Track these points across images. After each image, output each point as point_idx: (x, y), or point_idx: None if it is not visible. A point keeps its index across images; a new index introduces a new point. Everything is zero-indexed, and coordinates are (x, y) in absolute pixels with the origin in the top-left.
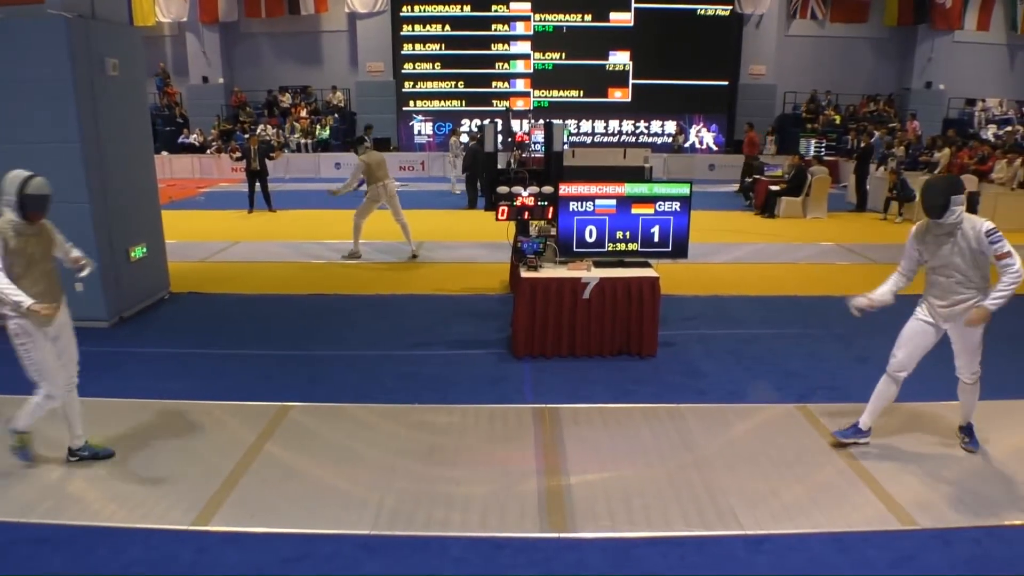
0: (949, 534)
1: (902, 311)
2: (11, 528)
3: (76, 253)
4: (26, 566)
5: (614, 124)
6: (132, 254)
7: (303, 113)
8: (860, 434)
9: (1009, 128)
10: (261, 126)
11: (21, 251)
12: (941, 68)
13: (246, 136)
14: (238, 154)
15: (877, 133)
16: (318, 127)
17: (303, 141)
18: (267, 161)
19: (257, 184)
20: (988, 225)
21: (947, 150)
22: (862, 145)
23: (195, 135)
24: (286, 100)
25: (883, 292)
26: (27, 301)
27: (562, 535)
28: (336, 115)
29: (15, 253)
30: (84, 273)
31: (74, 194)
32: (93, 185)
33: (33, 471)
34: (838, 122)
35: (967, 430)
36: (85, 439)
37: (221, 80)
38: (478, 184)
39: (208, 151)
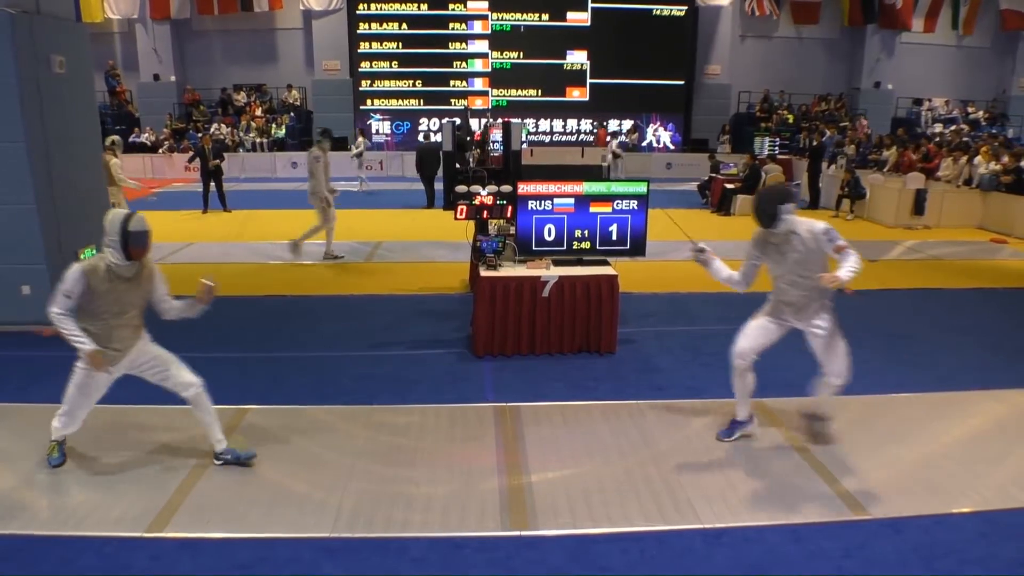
0: (899, 523)
1: (873, 313)
2: None
3: (177, 304)
4: None
5: (572, 123)
6: (81, 256)
7: (258, 112)
8: (742, 426)
9: (954, 127)
10: (215, 125)
11: (107, 295)
12: (889, 68)
13: (200, 135)
14: (191, 153)
15: (828, 132)
16: (273, 126)
17: (258, 140)
18: (220, 161)
19: (212, 184)
20: (823, 225)
21: (895, 148)
22: (814, 144)
23: (147, 134)
24: (241, 99)
25: (725, 269)
26: (86, 347)
27: (523, 533)
28: (292, 114)
29: (103, 296)
30: (205, 298)
31: (20, 195)
32: (39, 186)
33: None
34: (791, 121)
35: (817, 419)
36: (226, 443)
37: (173, 78)
38: (433, 183)
39: (160, 150)
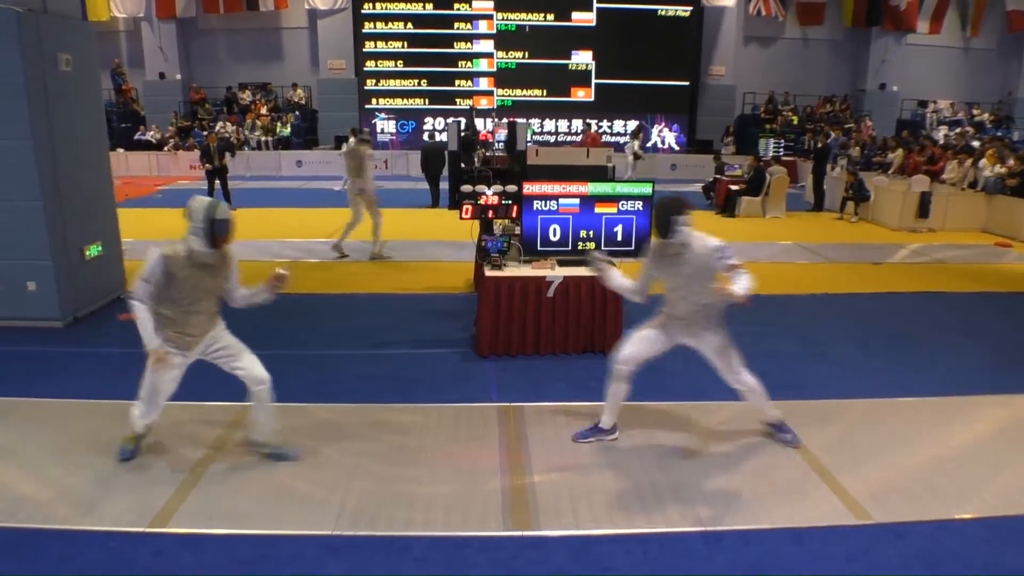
0: (902, 528)
1: (877, 316)
2: None
3: (244, 291)
4: None
5: (577, 123)
6: (87, 253)
7: (263, 110)
8: (602, 433)
9: (959, 129)
10: (220, 123)
11: (186, 280)
12: (895, 70)
13: (205, 133)
14: (198, 152)
15: (833, 134)
16: (279, 124)
17: (263, 139)
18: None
19: (217, 182)
20: (717, 242)
21: (900, 151)
22: (819, 145)
23: (152, 132)
24: (246, 97)
25: (619, 278)
26: (152, 344)
27: (525, 533)
28: (297, 112)
29: (182, 281)
30: (276, 287)
31: (26, 192)
32: (46, 183)
33: None
34: (796, 123)
35: (778, 428)
36: (270, 439)
37: (179, 76)
38: (439, 182)
39: (165, 148)
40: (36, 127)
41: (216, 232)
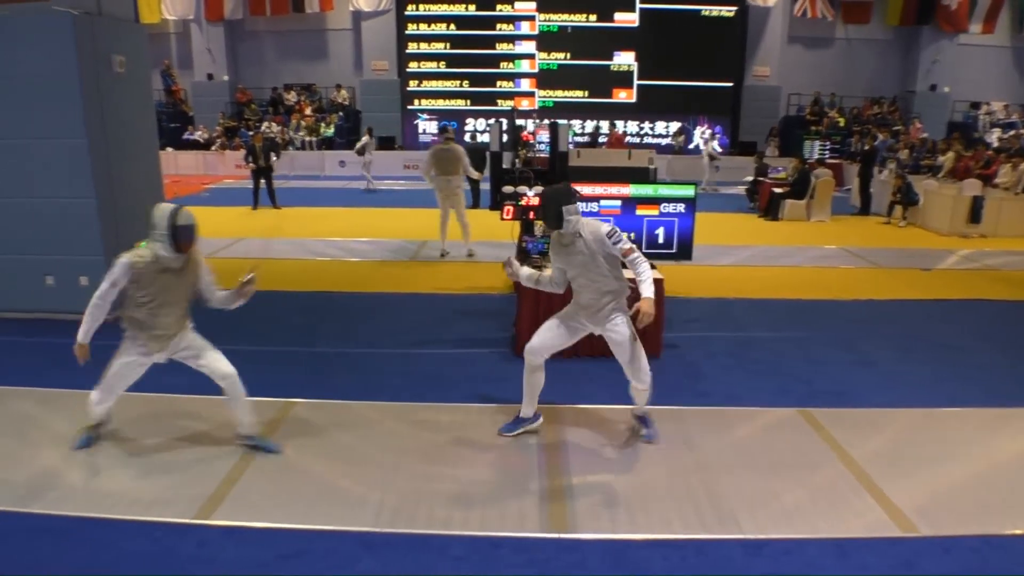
0: (949, 542)
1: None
2: (10, 517)
3: (221, 294)
4: (23, 556)
5: (619, 125)
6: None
7: (307, 111)
8: (524, 422)
9: (1013, 132)
10: (266, 123)
11: (152, 285)
12: (946, 71)
13: (251, 133)
14: (244, 152)
15: (881, 136)
16: (322, 125)
17: (307, 139)
18: (271, 158)
19: (262, 181)
20: (606, 228)
21: (951, 153)
22: (866, 148)
23: (200, 131)
24: (291, 98)
25: (528, 271)
26: (79, 337)
27: (562, 536)
28: (340, 113)
29: (149, 286)
30: (246, 291)
31: (80, 190)
32: (99, 181)
33: (34, 461)
34: (842, 124)
35: (643, 420)
36: (253, 431)
37: (226, 77)
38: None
39: (212, 148)
40: (90, 127)
41: (179, 238)
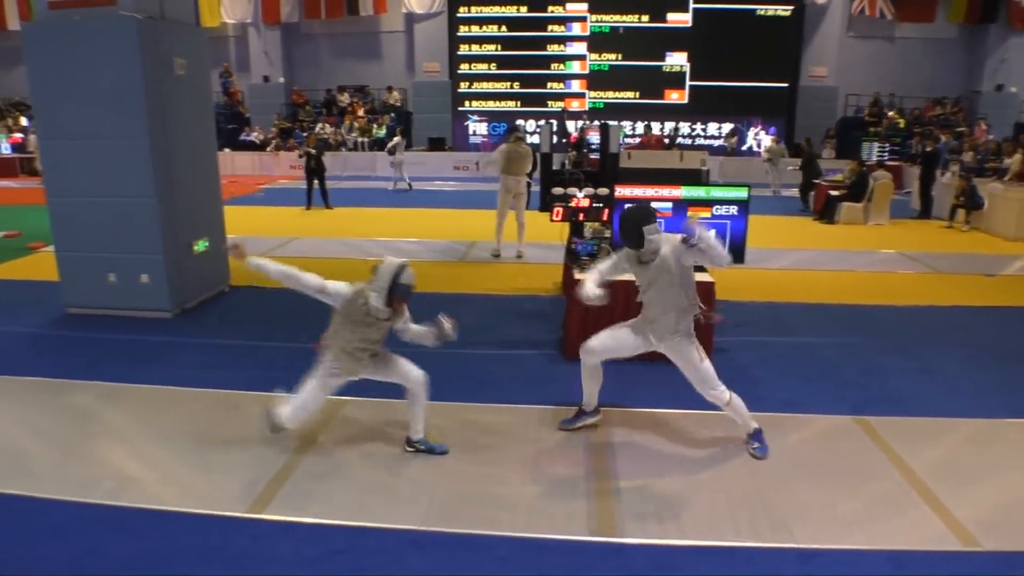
0: (1014, 558)
1: (988, 331)
2: (71, 507)
3: (415, 329)
4: (82, 545)
5: (670, 126)
6: (195, 248)
7: (360, 112)
8: (584, 416)
9: None
10: (319, 125)
11: (356, 325)
12: (1014, 70)
13: (305, 135)
14: (299, 152)
15: (944, 138)
16: (375, 126)
17: (360, 140)
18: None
19: (315, 181)
20: (679, 236)
21: (1018, 155)
22: (927, 149)
23: (256, 133)
24: (344, 99)
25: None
26: (251, 259)
27: (609, 540)
28: (392, 114)
29: (352, 325)
30: (446, 329)
31: (142, 189)
32: (160, 182)
33: (95, 453)
34: (902, 126)
35: (751, 436)
36: (423, 435)
37: (281, 79)
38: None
39: (268, 148)
40: (152, 128)
41: (395, 295)
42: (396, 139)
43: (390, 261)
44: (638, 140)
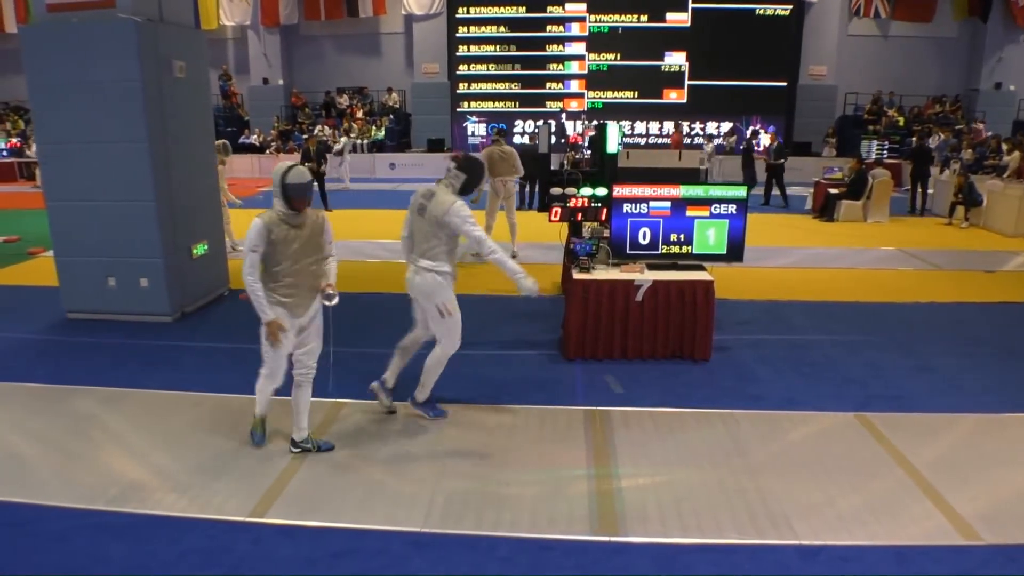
0: (1014, 551)
1: (987, 327)
2: (75, 514)
3: (332, 274)
4: (87, 552)
5: (669, 126)
6: (194, 251)
7: (359, 114)
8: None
9: None
10: (319, 127)
11: (284, 242)
12: (1012, 69)
13: (304, 137)
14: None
15: (943, 135)
16: (373, 128)
17: (359, 142)
18: (323, 160)
19: (314, 184)
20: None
21: (1017, 153)
22: (913, 145)
23: (255, 135)
24: (343, 101)
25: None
26: (267, 316)
27: (611, 539)
28: (391, 116)
29: (280, 243)
30: (330, 303)
31: (141, 192)
32: (159, 184)
33: (96, 459)
34: (901, 124)
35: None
36: (308, 432)
37: (281, 81)
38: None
39: (267, 151)
40: (151, 131)
41: (291, 195)
42: (344, 139)
43: (279, 164)
44: (643, 140)
